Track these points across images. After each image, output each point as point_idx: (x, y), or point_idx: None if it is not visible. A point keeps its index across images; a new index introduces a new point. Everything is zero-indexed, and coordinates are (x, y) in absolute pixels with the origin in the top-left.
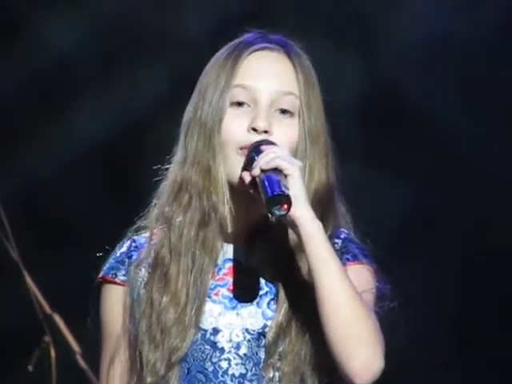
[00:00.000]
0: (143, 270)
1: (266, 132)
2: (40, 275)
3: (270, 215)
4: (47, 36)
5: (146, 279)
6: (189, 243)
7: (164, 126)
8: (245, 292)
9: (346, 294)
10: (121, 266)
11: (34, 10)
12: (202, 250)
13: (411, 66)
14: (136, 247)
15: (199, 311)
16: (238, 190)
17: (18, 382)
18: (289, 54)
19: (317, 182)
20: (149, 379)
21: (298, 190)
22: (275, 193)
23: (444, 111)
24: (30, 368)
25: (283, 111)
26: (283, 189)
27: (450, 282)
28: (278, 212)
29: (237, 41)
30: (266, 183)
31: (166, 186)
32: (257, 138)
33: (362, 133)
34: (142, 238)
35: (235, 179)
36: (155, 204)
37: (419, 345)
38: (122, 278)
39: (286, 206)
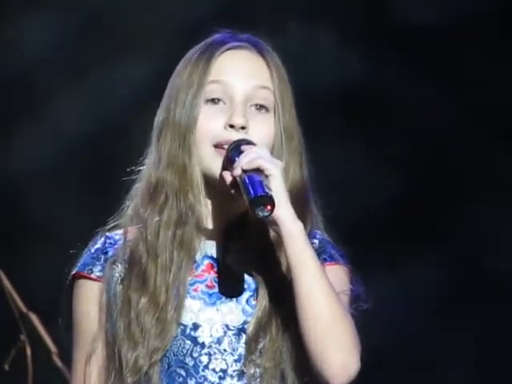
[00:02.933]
0: (120, 266)
1: (243, 128)
2: (15, 274)
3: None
4: (20, 34)
5: (122, 275)
6: (166, 243)
7: (137, 128)
8: (224, 288)
9: (325, 294)
10: (96, 262)
11: (10, 8)
12: (180, 248)
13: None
14: (111, 243)
15: (179, 310)
16: (214, 189)
17: None
18: (260, 51)
19: (292, 180)
20: (129, 379)
21: (279, 190)
22: (258, 194)
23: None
24: (7, 367)
25: (259, 107)
26: (266, 190)
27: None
28: (262, 213)
29: (207, 41)
30: (249, 184)
31: (139, 188)
32: (234, 134)
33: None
34: (116, 235)
35: (212, 175)
36: (128, 205)
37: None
38: (97, 273)
39: (269, 207)
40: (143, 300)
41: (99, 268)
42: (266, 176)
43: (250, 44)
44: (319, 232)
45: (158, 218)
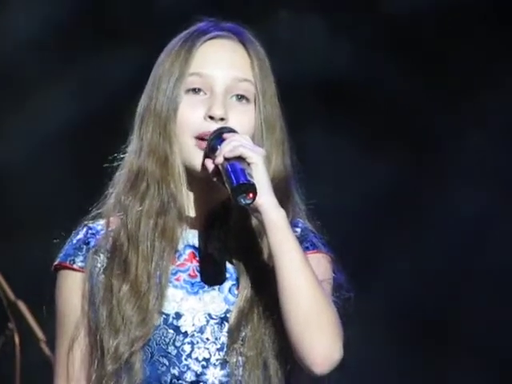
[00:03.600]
0: (102, 255)
1: (222, 119)
2: (3, 262)
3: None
4: (8, 22)
5: (105, 265)
6: (147, 232)
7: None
8: (206, 277)
9: (307, 282)
10: (78, 253)
11: None
12: (162, 238)
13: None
14: (93, 234)
15: (161, 299)
16: (196, 178)
17: None
18: (243, 41)
19: (274, 170)
20: (109, 367)
21: (261, 177)
22: (240, 181)
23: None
24: None
25: (239, 97)
26: (248, 177)
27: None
28: (244, 201)
29: (190, 30)
30: (231, 172)
31: (121, 176)
32: (213, 125)
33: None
34: (98, 225)
35: (193, 167)
36: (111, 193)
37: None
38: (80, 264)
39: (251, 195)
40: (124, 288)
41: (81, 258)
42: (248, 164)
43: (233, 33)
44: (301, 221)
45: (139, 207)
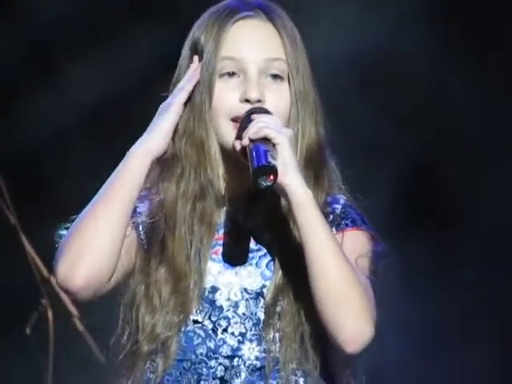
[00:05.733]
0: (145, 219)
1: (259, 101)
2: (37, 239)
3: (256, 186)
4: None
5: (144, 235)
6: (184, 215)
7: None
8: (243, 252)
9: (335, 261)
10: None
11: None
12: (201, 222)
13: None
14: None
15: (200, 283)
16: (233, 160)
17: (16, 344)
18: (272, 19)
19: (308, 140)
20: (145, 347)
21: (287, 158)
22: (260, 164)
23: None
24: (28, 331)
25: (273, 77)
26: (269, 159)
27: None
28: (264, 183)
29: (218, 8)
30: (254, 154)
31: (156, 162)
32: (249, 107)
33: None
34: (142, 192)
35: (230, 150)
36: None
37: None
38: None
39: (271, 177)
40: (161, 269)
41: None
42: (274, 145)
43: (261, 11)
44: (343, 197)
45: (174, 191)
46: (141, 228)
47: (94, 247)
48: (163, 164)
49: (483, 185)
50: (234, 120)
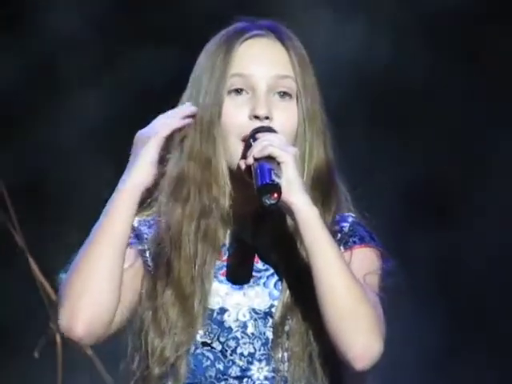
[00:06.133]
0: (148, 249)
1: (267, 118)
2: (45, 261)
3: (261, 204)
4: (49, 22)
5: (150, 261)
6: (189, 235)
7: None
8: (250, 272)
9: (342, 280)
10: (131, 234)
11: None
12: (204, 241)
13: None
14: (145, 223)
15: (205, 302)
16: (239, 179)
17: (23, 367)
18: (281, 38)
19: (316, 161)
20: (156, 370)
21: (291, 176)
22: (264, 182)
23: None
24: (36, 354)
25: (282, 94)
26: (273, 177)
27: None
28: (268, 201)
29: (228, 30)
30: (258, 172)
31: (163, 182)
32: (259, 124)
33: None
34: (148, 221)
35: (236, 169)
36: (154, 199)
37: None
38: (132, 240)
39: (275, 195)
40: (167, 291)
41: (133, 239)
42: (278, 163)
43: (270, 31)
44: (352, 215)
45: (180, 212)
46: (147, 254)
47: (90, 290)
48: (168, 186)
49: (483, 185)
50: (244, 140)
